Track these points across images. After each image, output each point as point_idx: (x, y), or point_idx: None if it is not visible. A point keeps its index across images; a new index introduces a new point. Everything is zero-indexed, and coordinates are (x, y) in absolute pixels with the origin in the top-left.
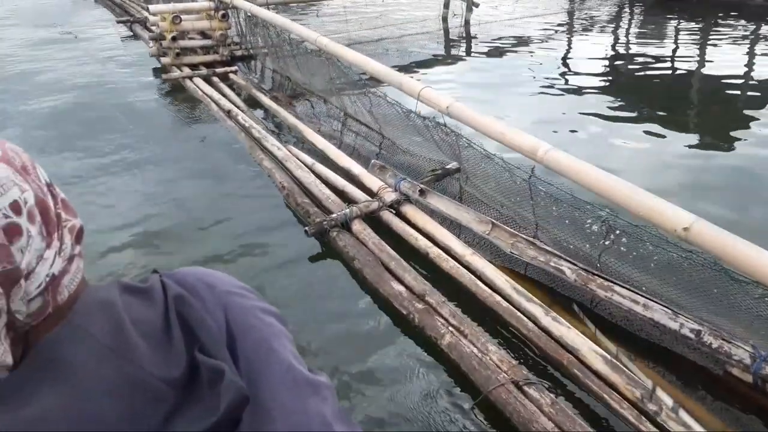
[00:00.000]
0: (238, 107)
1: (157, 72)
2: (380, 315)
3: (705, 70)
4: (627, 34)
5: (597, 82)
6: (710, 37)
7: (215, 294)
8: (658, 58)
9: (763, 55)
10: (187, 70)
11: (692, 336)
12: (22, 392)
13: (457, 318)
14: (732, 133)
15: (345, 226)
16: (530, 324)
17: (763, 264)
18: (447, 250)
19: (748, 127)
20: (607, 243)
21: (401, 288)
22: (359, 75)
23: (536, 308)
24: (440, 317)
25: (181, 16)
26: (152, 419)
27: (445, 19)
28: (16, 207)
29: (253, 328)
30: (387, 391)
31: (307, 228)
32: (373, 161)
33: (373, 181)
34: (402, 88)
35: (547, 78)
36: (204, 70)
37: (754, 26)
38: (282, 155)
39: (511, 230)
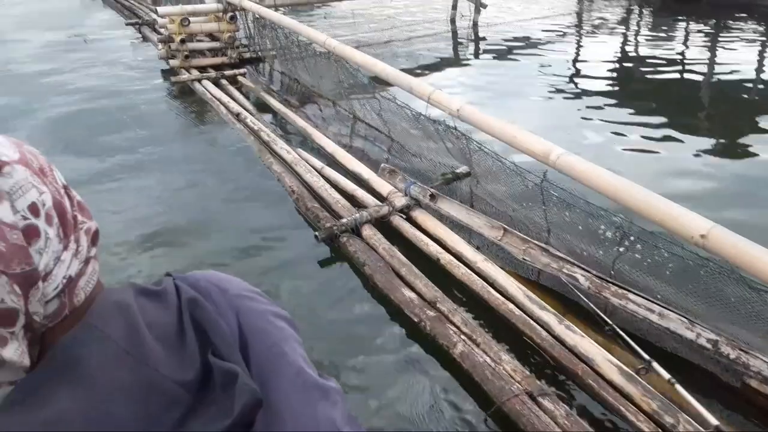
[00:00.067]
0: (246, 110)
1: (166, 74)
2: (391, 322)
3: (715, 73)
4: (636, 36)
5: (606, 85)
6: (720, 38)
7: (228, 297)
8: (667, 61)
9: None
10: (195, 73)
11: (709, 346)
12: (39, 393)
13: (470, 326)
14: (745, 138)
15: (355, 231)
16: (544, 333)
17: None
18: (458, 256)
19: (762, 131)
20: (621, 250)
21: (412, 295)
22: (368, 77)
23: (550, 316)
24: (452, 325)
25: (190, 19)
26: (167, 421)
27: (453, 21)
28: (34, 209)
29: (265, 331)
30: (397, 399)
31: (317, 233)
32: (383, 165)
33: (382, 185)
34: (412, 91)
35: (556, 81)
36: (212, 73)
37: (765, 27)
38: (291, 159)
39: (524, 236)
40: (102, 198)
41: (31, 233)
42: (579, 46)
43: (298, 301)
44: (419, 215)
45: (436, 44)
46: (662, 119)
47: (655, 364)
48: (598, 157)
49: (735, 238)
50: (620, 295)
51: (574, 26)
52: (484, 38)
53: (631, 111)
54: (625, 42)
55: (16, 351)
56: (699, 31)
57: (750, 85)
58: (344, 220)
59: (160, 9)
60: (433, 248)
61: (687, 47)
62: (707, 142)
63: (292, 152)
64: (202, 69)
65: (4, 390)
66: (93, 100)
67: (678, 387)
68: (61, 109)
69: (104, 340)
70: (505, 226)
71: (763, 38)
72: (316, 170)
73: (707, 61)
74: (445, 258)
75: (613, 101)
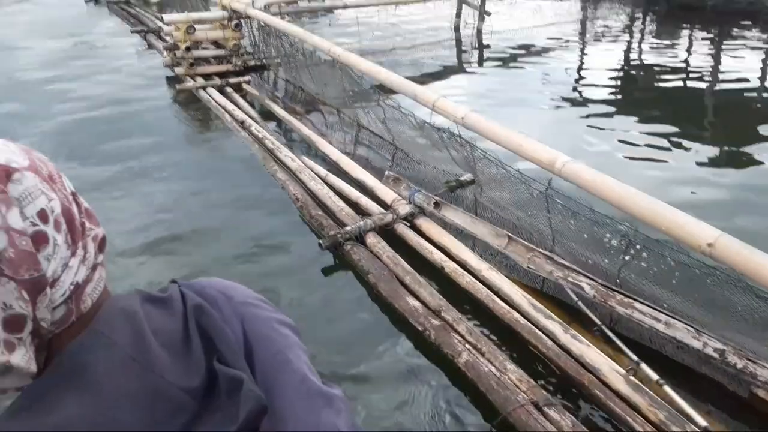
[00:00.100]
0: (251, 117)
1: (171, 82)
2: (395, 331)
3: (720, 81)
4: (640, 44)
5: (610, 93)
6: (725, 46)
7: (233, 305)
8: (672, 69)
9: None
10: (200, 80)
11: (716, 355)
12: (46, 399)
13: (475, 335)
14: (749, 146)
15: (359, 238)
16: (549, 342)
17: None
18: (463, 265)
19: (766, 140)
20: (627, 258)
21: (417, 303)
22: (372, 85)
23: (555, 325)
24: (457, 334)
25: (195, 26)
26: (173, 428)
27: (457, 29)
28: (43, 215)
29: (270, 339)
30: (402, 408)
31: (321, 241)
32: (387, 173)
33: (387, 193)
34: (416, 99)
35: (559, 88)
36: (217, 81)
37: None
38: (295, 166)
39: (528, 244)
40: (106, 205)
41: (39, 240)
42: (583, 54)
43: (301, 309)
44: (423, 223)
45: (440, 52)
46: (666, 127)
47: (644, 366)
48: (602, 165)
49: (742, 246)
50: (626, 304)
51: (578, 34)
52: (488, 46)
53: (635, 119)
54: (629, 50)
55: (23, 357)
56: (703, 39)
57: (754, 94)
58: (348, 228)
59: (166, 17)
60: (438, 256)
61: (691, 55)
62: (712, 151)
63: (296, 160)
64: (206, 76)
65: (11, 396)
66: (98, 107)
67: (666, 388)
68: (66, 116)
69: (111, 346)
70: (510, 234)
71: None
72: (320, 178)
73: (711, 69)
74: (450, 266)
75: (616, 109)
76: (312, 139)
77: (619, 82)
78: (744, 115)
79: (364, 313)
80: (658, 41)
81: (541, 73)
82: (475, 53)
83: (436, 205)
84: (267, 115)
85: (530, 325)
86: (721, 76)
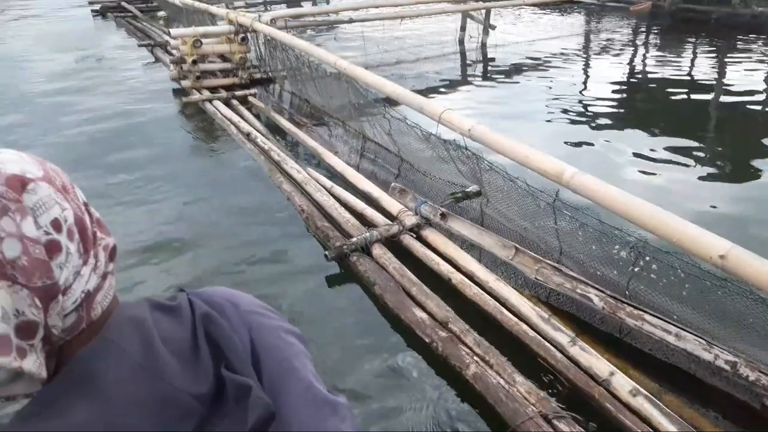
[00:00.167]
0: (257, 130)
1: (177, 95)
2: (402, 343)
3: (724, 93)
4: (645, 57)
5: (614, 106)
6: (729, 59)
7: (240, 313)
8: (676, 81)
9: None
10: (206, 93)
11: (728, 368)
12: (56, 406)
13: (482, 347)
14: (755, 160)
15: (365, 250)
16: (558, 354)
17: None
18: (470, 276)
19: None
20: (636, 270)
21: (423, 315)
22: (378, 97)
23: (564, 337)
24: (464, 346)
25: (202, 40)
26: None
27: (461, 42)
28: (56, 224)
29: (276, 347)
30: (408, 421)
31: (326, 252)
32: (393, 184)
33: (392, 205)
34: (423, 111)
35: (564, 102)
36: (223, 93)
37: None
38: (301, 178)
39: (536, 255)
40: (112, 215)
41: (53, 248)
42: (587, 67)
43: (306, 320)
44: (430, 234)
45: (445, 65)
46: (672, 140)
47: (619, 376)
48: (606, 178)
49: (755, 258)
50: (636, 316)
51: (582, 47)
52: (492, 59)
53: (640, 132)
54: (633, 62)
55: (34, 363)
56: (708, 52)
57: (759, 107)
58: (354, 239)
59: (173, 31)
60: (444, 268)
61: (695, 68)
62: (718, 164)
63: (302, 171)
64: (213, 89)
65: (20, 402)
66: (104, 119)
67: (640, 399)
68: (73, 128)
69: (120, 354)
70: (517, 246)
71: None
72: (326, 189)
73: (716, 82)
74: (457, 278)
75: (621, 122)
76: (318, 150)
77: (623, 95)
78: (749, 128)
79: (370, 324)
80: (662, 54)
81: (546, 87)
82: (480, 67)
83: (443, 216)
84: (273, 128)
85: (539, 337)
86: (725, 89)
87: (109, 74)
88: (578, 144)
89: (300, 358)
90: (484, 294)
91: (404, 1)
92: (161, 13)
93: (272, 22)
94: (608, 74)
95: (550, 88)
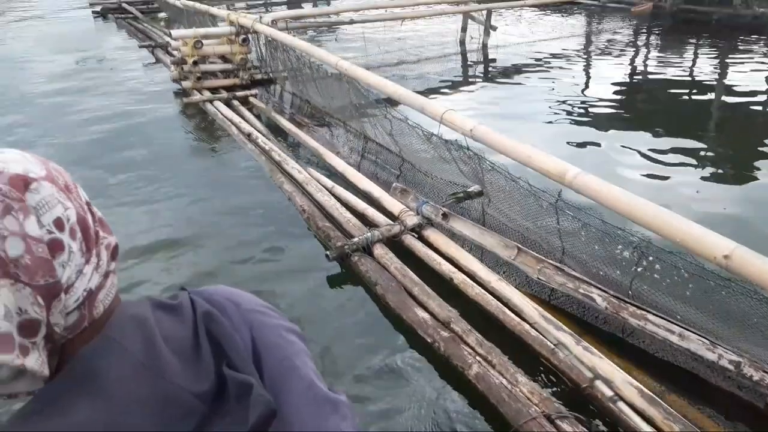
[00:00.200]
0: (258, 130)
1: (178, 95)
2: (403, 343)
3: (725, 94)
4: (646, 58)
5: (615, 107)
6: (730, 59)
7: (241, 312)
8: (677, 82)
9: None
10: (207, 94)
11: (731, 367)
12: (59, 404)
13: (485, 347)
14: (758, 161)
15: (366, 250)
16: (561, 354)
17: None
18: (472, 276)
19: None
20: (639, 270)
21: (425, 315)
22: (379, 98)
23: (567, 337)
24: (467, 346)
25: (203, 41)
26: (183, 430)
27: (462, 43)
28: (59, 223)
29: (277, 346)
30: (409, 422)
31: (328, 252)
32: (394, 184)
33: (394, 204)
34: (424, 111)
35: (565, 103)
36: (224, 94)
37: None
38: (302, 178)
39: (538, 255)
40: (112, 215)
41: (55, 247)
42: (588, 68)
43: (307, 320)
44: (431, 234)
45: (446, 66)
46: (673, 141)
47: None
48: (607, 178)
49: (759, 258)
50: (639, 316)
51: (583, 48)
52: (493, 60)
53: (641, 133)
54: (634, 63)
55: (37, 361)
56: (709, 53)
57: (760, 107)
58: (355, 239)
59: (174, 32)
60: (446, 267)
61: (697, 68)
62: (719, 165)
63: (303, 172)
64: (213, 90)
65: (22, 400)
66: (105, 120)
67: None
68: (74, 129)
69: (122, 352)
70: (519, 246)
71: None
72: (327, 189)
73: (717, 83)
74: (459, 277)
75: (622, 123)
76: (319, 151)
77: (625, 96)
78: (751, 129)
79: (372, 324)
80: (664, 55)
81: (547, 88)
82: (481, 67)
83: (445, 216)
84: (273, 128)
85: (542, 336)
86: (727, 90)
87: (110, 75)
88: (579, 144)
89: (301, 357)
90: (486, 294)
91: (405, 2)
92: (162, 15)
93: (273, 23)
94: (610, 75)
95: (552, 89)
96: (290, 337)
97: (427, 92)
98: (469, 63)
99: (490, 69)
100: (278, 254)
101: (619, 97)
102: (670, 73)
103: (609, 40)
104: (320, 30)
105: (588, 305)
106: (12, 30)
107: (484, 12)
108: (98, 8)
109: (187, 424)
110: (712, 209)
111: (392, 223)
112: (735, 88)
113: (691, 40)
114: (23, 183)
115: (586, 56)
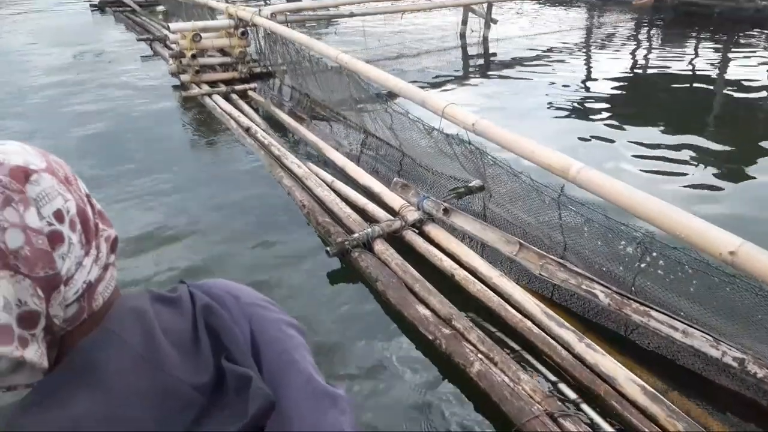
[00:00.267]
0: (257, 124)
1: (177, 89)
2: (404, 340)
3: (727, 88)
4: (647, 52)
5: (616, 100)
6: (732, 53)
7: (241, 305)
8: (679, 76)
9: None
10: (206, 87)
11: (735, 365)
12: (58, 396)
13: (487, 344)
14: (762, 157)
15: (367, 245)
16: (563, 351)
17: None
18: (473, 272)
19: None
20: (642, 266)
21: (426, 312)
22: (379, 92)
23: (569, 334)
24: (468, 343)
25: (201, 35)
26: (182, 423)
27: (463, 36)
28: (59, 215)
29: (277, 339)
30: (410, 419)
31: (328, 248)
32: (395, 179)
33: (394, 200)
34: (425, 105)
35: (566, 96)
36: (223, 88)
37: None
38: (302, 173)
39: (540, 251)
40: (110, 208)
41: (55, 239)
42: (589, 62)
43: (307, 317)
44: (432, 230)
45: (446, 60)
46: (674, 135)
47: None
48: (610, 173)
49: (766, 255)
50: (642, 312)
51: (584, 41)
52: (494, 54)
53: (643, 127)
54: (635, 57)
55: (36, 352)
56: (711, 46)
57: (762, 101)
58: (356, 235)
59: (172, 25)
60: (447, 263)
61: (698, 62)
62: (723, 159)
63: (302, 166)
64: (212, 84)
65: (22, 392)
66: (103, 113)
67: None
68: (71, 122)
69: (122, 344)
70: (521, 241)
71: None
72: (326, 184)
73: (719, 77)
74: (460, 274)
75: (624, 117)
76: (318, 145)
77: (626, 90)
78: (754, 123)
79: (372, 321)
80: (665, 49)
81: (548, 81)
82: (482, 61)
83: (446, 211)
84: (273, 122)
85: (544, 334)
86: (729, 84)
87: (108, 68)
88: (581, 138)
89: (300, 351)
90: (488, 290)
91: None
92: (160, 8)
93: (272, 16)
94: (611, 68)
95: (553, 82)
96: (290, 331)
97: (427, 86)
98: (469, 56)
99: (490, 62)
100: (278, 249)
101: (620, 91)
102: (672, 66)
103: (610, 34)
104: (320, 23)
105: (591, 301)
106: (8, 24)
107: (485, 5)
108: (96, 1)
109: (186, 417)
110: (713, 204)
111: (393, 218)
112: (737, 82)
113: (692, 34)
114: (24, 174)
115: (587, 50)
